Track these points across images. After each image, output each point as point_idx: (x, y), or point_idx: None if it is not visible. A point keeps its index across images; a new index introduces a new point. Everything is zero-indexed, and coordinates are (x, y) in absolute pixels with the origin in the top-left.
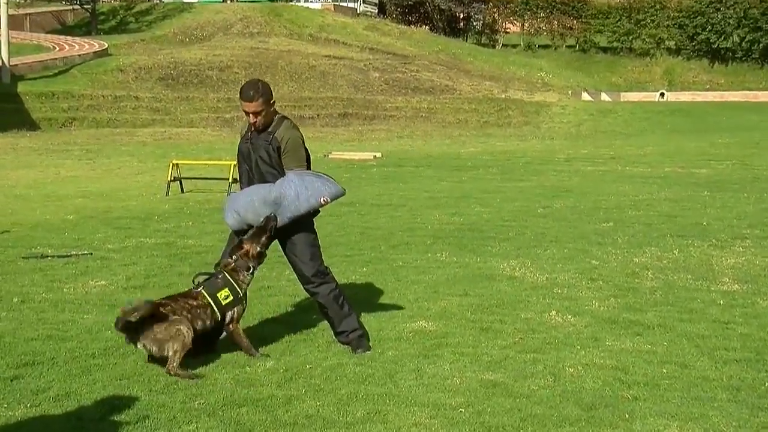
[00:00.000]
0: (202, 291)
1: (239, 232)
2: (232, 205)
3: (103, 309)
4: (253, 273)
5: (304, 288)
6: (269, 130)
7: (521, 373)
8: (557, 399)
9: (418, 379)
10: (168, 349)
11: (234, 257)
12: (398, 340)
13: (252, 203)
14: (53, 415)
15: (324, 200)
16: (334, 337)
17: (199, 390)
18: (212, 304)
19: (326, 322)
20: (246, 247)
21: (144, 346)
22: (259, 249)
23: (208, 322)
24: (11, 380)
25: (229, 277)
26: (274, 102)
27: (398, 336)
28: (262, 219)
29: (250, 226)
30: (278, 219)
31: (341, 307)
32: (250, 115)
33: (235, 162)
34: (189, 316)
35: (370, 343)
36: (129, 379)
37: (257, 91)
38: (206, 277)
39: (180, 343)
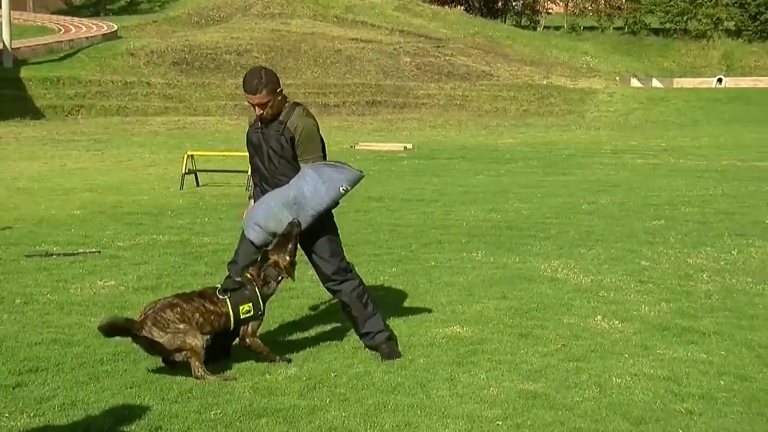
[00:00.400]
0: (227, 299)
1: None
2: (251, 219)
3: (113, 311)
4: (279, 282)
5: (326, 287)
6: (280, 119)
7: (564, 384)
8: (603, 412)
9: (452, 388)
10: (183, 357)
11: (263, 268)
12: (430, 346)
13: (271, 210)
14: (58, 425)
15: (343, 189)
16: (360, 341)
17: (215, 399)
18: (231, 314)
19: (351, 325)
20: (273, 258)
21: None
22: (288, 258)
23: (217, 328)
24: (13, 388)
25: (257, 291)
26: (281, 90)
27: (430, 342)
28: (285, 226)
29: (275, 236)
30: (302, 220)
31: (365, 306)
32: (256, 107)
33: None
34: (201, 320)
35: (400, 349)
36: (140, 387)
37: (261, 81)
38: (234, 285)
39: (190, 351)
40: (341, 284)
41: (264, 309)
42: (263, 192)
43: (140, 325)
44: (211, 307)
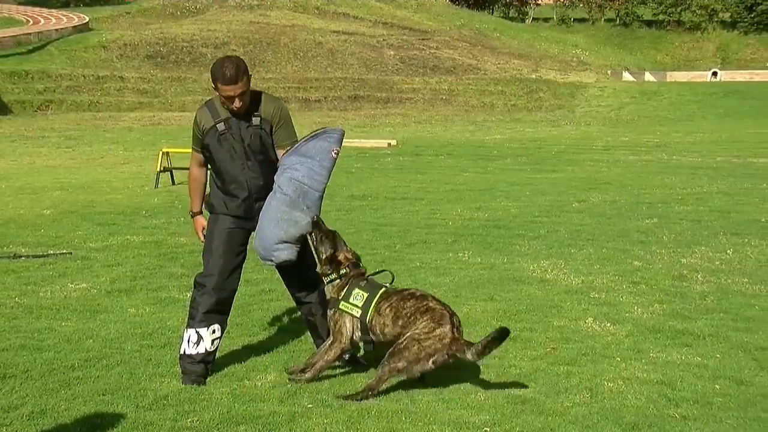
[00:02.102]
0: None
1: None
2: (268, 244)
3: (84, 315)
4: None
5: (297, 296)
6: (252, 111)
7: (554, 388)
8: (594, 417)
9: (438, 394)
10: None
11: (349, 270)
12: None
13: (281, 221)
14: None
15: (335, 153)
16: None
17: (191, 406)
18: None
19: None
20: (342, 255)
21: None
22: (352, 251)
23: None
24: None
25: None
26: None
27: None
28: (305, 222)
29: (300, 240)
30: (312, 208)
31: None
32: (235, 99)
33: None
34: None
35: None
36: (113, 394)
37: (239, 69)
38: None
39: None
40: (313, 293)
41: None
42: (232, 199)
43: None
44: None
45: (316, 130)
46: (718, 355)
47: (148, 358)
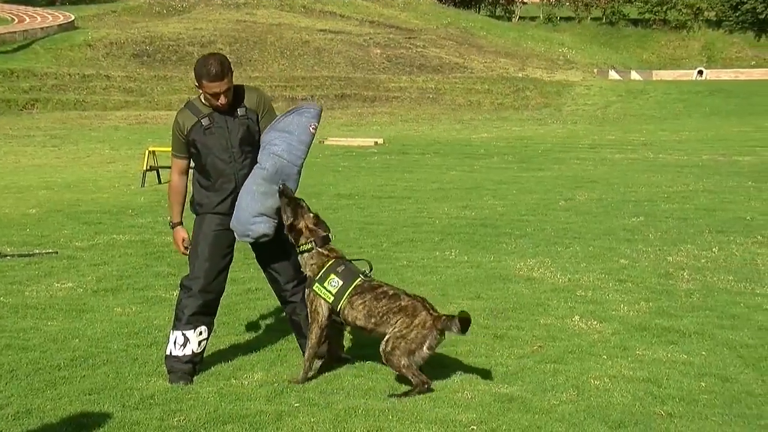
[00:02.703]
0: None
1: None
2: (244, 217)
3: (70, 315)
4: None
5: (282, 296)
6: (236, 104)
7: (540, 386)
8: (581, 415)
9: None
10: None
11: (308, 240)
12: None
13: (259, 193)
14: None
15: (313, 128)
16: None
17: (178, 405)
18: None
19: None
20: (300, 223)
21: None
22: (313, 217)
23: None
24: None
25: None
26: None
27: None
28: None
29: (279, 213)
30: (289, 181)
31: None
32: (221, 95)
33: None
34: None
35: (371, 351)
36: (99, 394)
37: (224, 65)
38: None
39: None
40: (297, 293)
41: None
42: (220, 194)
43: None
44: None
45: (294, 107)
46: (703, 353)
47: (135, 357)
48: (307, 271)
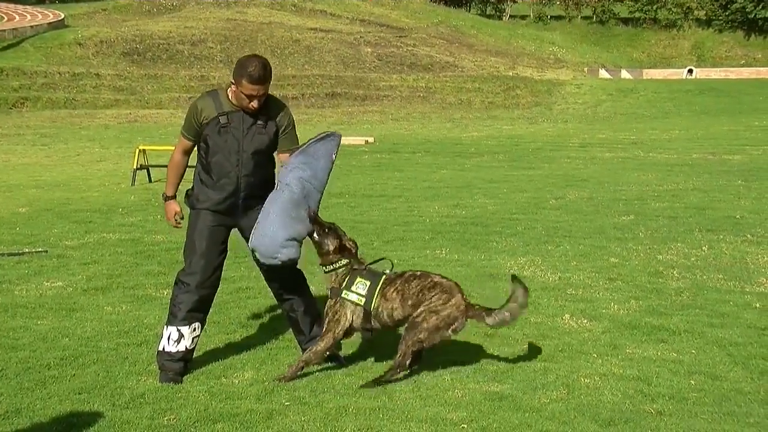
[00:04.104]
0: None
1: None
2: (275, 242)
3: (60, 314)
4: None
5: (278, 294)
6: (263, 112)
7: (530, 385)
8: (571, 414)
9: (415, 391)
10: None
11: (350, 260)
12: (392, 347)
13: (290, 218)
14: None
15: (334, 155)
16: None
17: (168, 404)
18: None
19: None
20: (349, 243)
21: None
22: (349, 238)
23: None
24: None
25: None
26: None
27: (392, 343)
28: (308, 220)
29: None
30: (312, 206)
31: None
32: (255, 99)
33: None
34: None
35: (361, 350)
36: (89, 393)
37: (267, 70)
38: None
39: None
40: (295, 289)
41: None
42: (219, 193)
43: None
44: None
45: (321, 133)
46: (693, 351)
47: (125, 356)
48: (332, 283)
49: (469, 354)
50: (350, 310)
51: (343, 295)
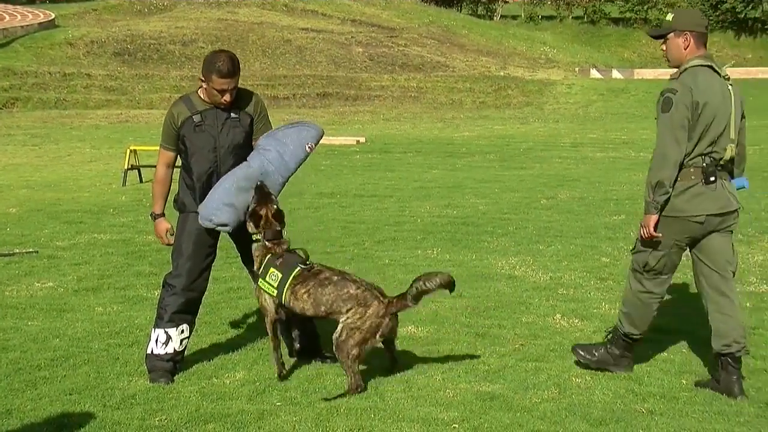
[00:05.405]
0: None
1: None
2: (213, 202)
3: (51, 314)
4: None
5: None
6: (234, 106)
7: (522, 384)
8: (563, 413)
9: (407, 391)
10: None
11: (264, 232)
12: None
13: (236, 186)
14: None
15: (309, 147)
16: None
17: (159, 405)
18: None
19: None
20: (262, 210)
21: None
22: (276, 207)
23: None
24: None
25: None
26: None
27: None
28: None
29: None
30: (271, 189)
31: None
32: (227, 93)
33: None
34: None
35: None
36: (80, 394)
37: (234, 63)
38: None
39: None
40: None
41: None
42: (203, 193)
43: None
44: None
45: (297, 121)
46: (684, 350)
47: (116, 356)
48: (255, 263)
49: (460, 354)
50: (268, 298)
51: (259, 283)
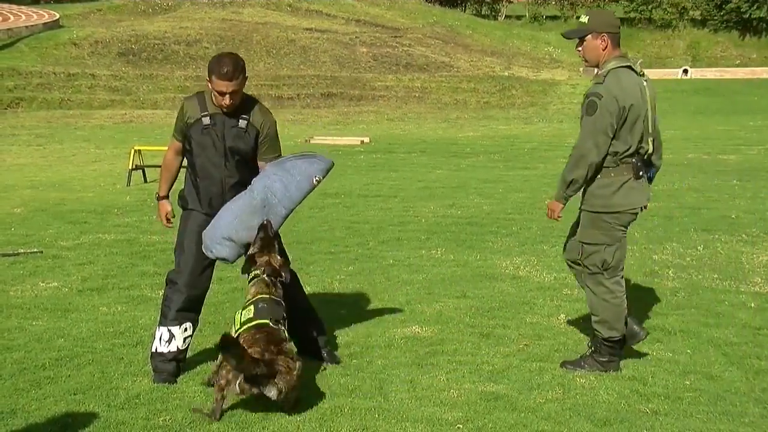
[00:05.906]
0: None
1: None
2: (215, 235)
3: (55, 314)
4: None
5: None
6: (242, 113)
7: (526, 385)
8: (567, 413)
9: (411, 391)
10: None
11: (267, 276)
12: (388, 347)
13: (238, 220)
14: None
15: (316, 180)
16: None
17: (164, 405)
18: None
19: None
20: (263, 258)
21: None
22: (280, 258)
23: None
24: None
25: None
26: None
27: (388, 343)
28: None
29: (247, 247)
30: (273, 220)
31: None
32: (226, 96)
33: None
34: None
35: (358, 350)
36: (84, 394)
37: (237, 67)
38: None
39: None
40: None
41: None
42: (205, 194)
43: None
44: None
45: (308, 152)
46: (688, 351)
47: (120, 356)
48: (246, 295)
49: (464, 354)
50: (233, 327)
51: (235, 313)
